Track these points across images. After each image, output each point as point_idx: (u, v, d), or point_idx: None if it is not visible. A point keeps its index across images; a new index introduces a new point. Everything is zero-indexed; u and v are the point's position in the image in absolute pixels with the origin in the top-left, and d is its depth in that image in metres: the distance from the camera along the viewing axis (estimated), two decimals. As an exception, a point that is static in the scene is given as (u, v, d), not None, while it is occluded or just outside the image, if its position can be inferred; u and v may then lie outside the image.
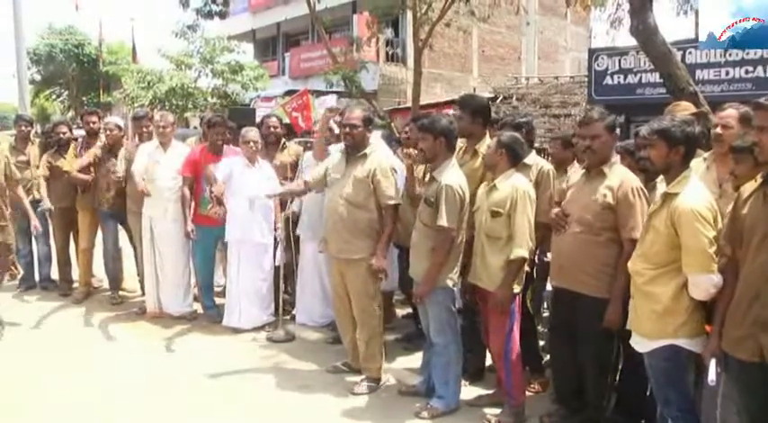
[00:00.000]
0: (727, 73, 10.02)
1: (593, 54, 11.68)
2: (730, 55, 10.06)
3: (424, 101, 13.57)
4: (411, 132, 4.85)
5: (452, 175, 3.86)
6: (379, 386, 4.33)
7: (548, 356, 4.63)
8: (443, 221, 3.74)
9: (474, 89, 17.00)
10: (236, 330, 5.45)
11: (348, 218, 4.22)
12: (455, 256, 3.89)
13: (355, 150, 4.30)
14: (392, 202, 4.21)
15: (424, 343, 5.05)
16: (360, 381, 4.35)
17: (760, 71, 9.80)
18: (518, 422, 3.84)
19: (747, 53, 9.87)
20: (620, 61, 11.28)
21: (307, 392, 4.29)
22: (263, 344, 5.25)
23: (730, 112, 3.44)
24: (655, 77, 10.72)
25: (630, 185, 3.42)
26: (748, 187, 2.68)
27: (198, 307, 5.97)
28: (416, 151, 4.22)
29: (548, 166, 4.43)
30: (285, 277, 5.62)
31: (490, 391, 4.19)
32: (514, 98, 15.55)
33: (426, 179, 4.17)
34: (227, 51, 17.42)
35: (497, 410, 3.93)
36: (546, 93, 16.46)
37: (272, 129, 5.98)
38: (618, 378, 3.78)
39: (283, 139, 6.17)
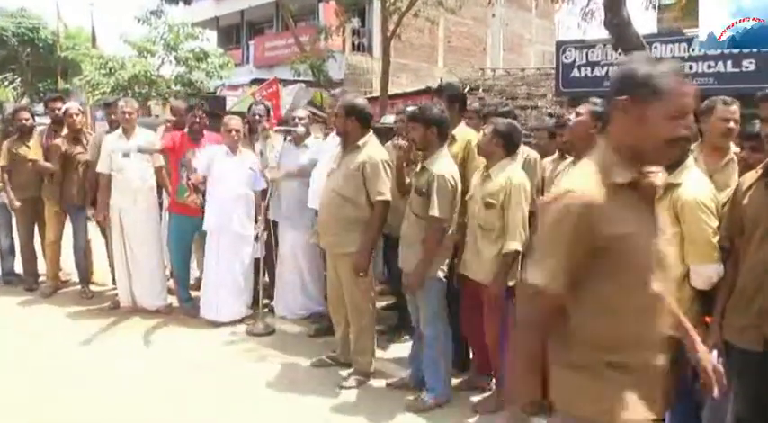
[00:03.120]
0: (690, 67, 10.19)
1: (561, 46, 11.78)
2: (693, 50, 10.32)
3: (390, 91, 13.50)
4: (401, 123, 4.82)
5: (445, 165, 3.81)
6: (368, 380, 4.26)
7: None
8: (435, 212, 3.68)
9: (440, 80, 16.96)
10: (215, 324, 5.30)
11: (338, 211, 4.13)
12: (447, 246, 3.84)
13: (345, 141, 4.21)
14: (381, 199, 4.10)
15: (409, 334, 5.07)
16: (348, 375, 4.27)
17: (721, 66, 10.05)
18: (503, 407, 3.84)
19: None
20: (587, 54, 11.40)
21: (294, 387, 4.18)
22: (243, 337, 5.11)
23: (736, 108, 3.46)
24: (622, 70, 10.93)
25: None
26: (748, 178, 2.68)
27: (173, 300, 5.79)
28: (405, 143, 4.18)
29: (534, 154, 4.44)
30: (264, 269, 5.50)
31: (465, 378, 4.21)
32: (481, 89, 15.58)
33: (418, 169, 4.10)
34: (192, 38, 16.97)
35: (479, 396, 3.99)
36: (512, 84, 16.58)
37: (258, 117, 5.83)
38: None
39: (266, 128, 6.02)
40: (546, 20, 26.68)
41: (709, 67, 10.12)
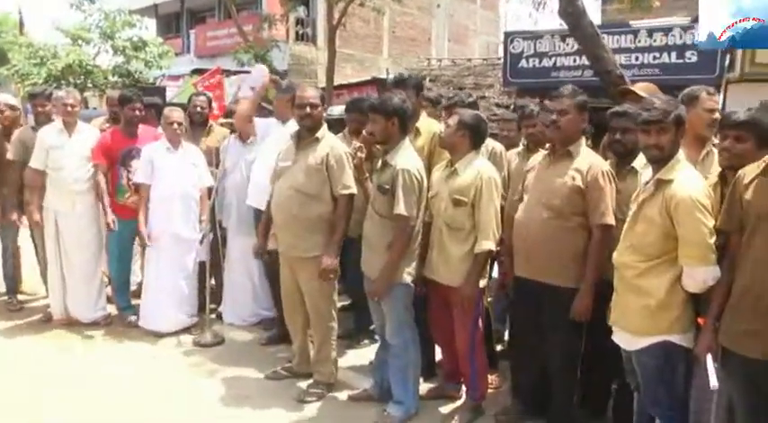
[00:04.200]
0: (637, 58, 10.37)
1: (509, 37, 11.74)
2: (639, 41, 10.42)
3: (335, 81, 13.21)
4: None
5: (408, 159, 3.55)
6: (330, 392, 3.99)
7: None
8: (401, 209, 3.42)
9: (386, 70, 16.76)
10: (158, 335, 4.89)
11: (300, 211, 3.81)
12: (414, 247, 3.58)
13: (309, 133, 3.90)
14: (347, 192, 3.83)
15: (367, 338, 4.83)
16: (307, 387, 3.98)
17: (666, 58, 10.19)
18: (477, 417, 3.68)
19: (654, 40, 10.28)
20: (535, 44, 11.37)
21: (249, 403, 3.85)
22: (190, 349, 4.72)
23: (718, 98, 3.35)
24: (570, 61, 10.96)
25: (600, 169, 3.25)
26: (749, 171, 2.51)
27: (111, 308, 5.32)
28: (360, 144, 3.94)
29: (499, 146, 4.28)
30: (210, 274, 5.12)
31: (434, 385, 4.01)
32: (427, 79, 15.47)
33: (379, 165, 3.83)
34: (129, 26, 16.19)
35: (448, 405, 3.81)
36: (459, 74, 16.61)
37: (199, 109, 5.42)
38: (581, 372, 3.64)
39: (210, 121, 5.63)
40: (490, 11, 26.85)
41: (655, 58, 10.27)
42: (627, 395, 3.27)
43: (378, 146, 3.88)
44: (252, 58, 12.01)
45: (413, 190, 3.47)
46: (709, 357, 2.55)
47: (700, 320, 2.67)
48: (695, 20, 10.28)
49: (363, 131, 4.05)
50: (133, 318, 5.13)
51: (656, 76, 9.56)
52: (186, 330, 4.99)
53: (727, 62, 9.77)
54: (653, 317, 2.71)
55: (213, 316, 5.11)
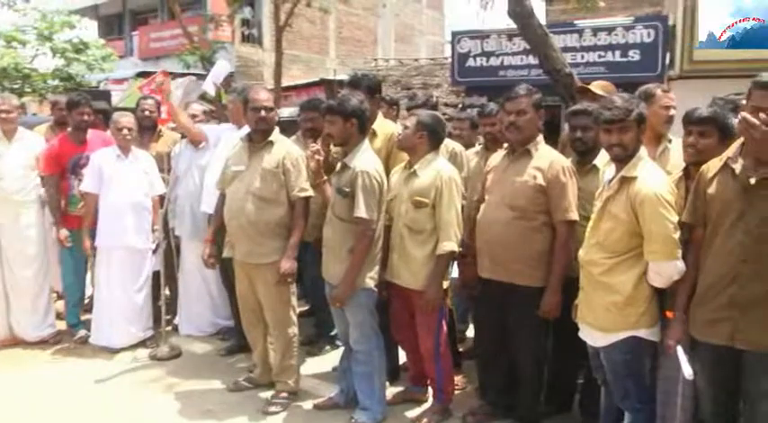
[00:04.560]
0: (582, 57, 10.58)
1: (456, 36, 11.82)
2: (584, 40, 10.65)
3: (282, 83, 13.03)
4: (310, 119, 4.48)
5: (368, 160, 3.50)
6: (294, 401, 3.89)
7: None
8: (362, 212, 3.36)
9: (334, 71, 16.68)
10: (111, 350, 4.69)
11: (257, 216, 3.71)
12: (376, 251, 3.52)
13: (263, 137, 3.81)
14: (303, 195, 3.77)
15: (329, 344, 4.76)
16: (271, 397, 3.88)
17: (610, 56, 10.44)
18: (445, 419, 3.66)
19: (599, 39, 10.52)
20: (482, 44, 11.49)
21: (211, 417, 3.73)
22: (147, 363, 4.55)
23: (673, 95, 3.42)
24: (517, 60, 11.11)
25: (561, 165, 3.27)
26: (712, 166, 2.57)
27: (60, 324, 5.08)
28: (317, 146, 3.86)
29: (459, 147, 4.25)
30: (164, 284, 4.95)
31: (401, 389, 3.97)
32: (377, 80, 15.41)
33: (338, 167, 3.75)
34: (69, 27, 15.57)
35: (415, 409, 3.77)
36: (406, 74, 16.61)
37: (147, 112, 5.23)
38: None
39: (159, 126, 5.44)
40: (436, 11, 27.02)
41: (600, 56, 10.51)
42: (593, 390, 3.31)
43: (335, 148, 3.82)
44: (198, 60, 11.73)
45: (373, 192, 3.41)
46: (680, 349, 2.60)
47: (668, 314, 2.72)
48: (637, 19, 10.62)
49: (324, 133, 3.98)
50: (84, 333, 4.90)
51: (600, 73, 9.75)
52: (141, 344, 4.80)
53: (668, 60, 10.10)
54: (621, 313, 2.74)
55: (169, 328, 4.95)
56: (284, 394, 3.89)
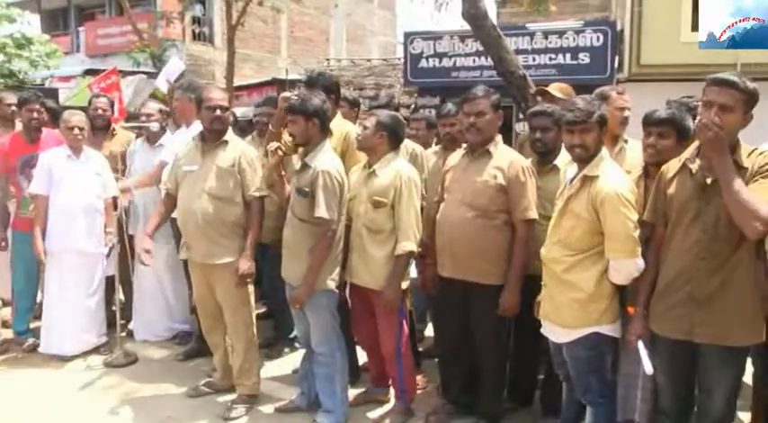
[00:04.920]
0: (534, 59, 10.78)
1: (409, 37, 11.88)
2: (535, 43, 10.86)
3: (234, 82, 12.85)
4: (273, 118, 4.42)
5: (328, 160, 3.47)
6: (255, 405, 3.85)
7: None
8: (322, 212, 3.34)
9: (286, 71, 16.52)
10: (63, 359, 4.52)
11: (214, 215, 3.65)
12: (336, 252, 3.51)
13: (217, 136, 3.75)
14: (260, 194, 3.75)
15: (288, 346, 4.72)
16: (231, 402, 3.82)
17: (561, 59, 10.67)
18: (408, 419, 3.67)
19: (550, 42, 10.75)
20: (435, 45, 11.58)
21: (171, 425, 3.66)
22: (102, 371, 4.40)
23: (628, 97, 3.52)
24: (469, 61, 11.24)
25: (521, 165, 3.32)
26: (671, 166, 2.66)
27: (6, 333, 4.88)
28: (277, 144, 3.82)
29: (419, 148, 4.27)
30: (119, 288, 4.83)
31: (361, 390, 3.96)
32: (330, 80, 15.36)
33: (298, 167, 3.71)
34: (8, 21, 14.91)
35: (377, 410, 3.77)
36: (359, 75, 16.61)
37: (100, 111, 5.07)
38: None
39: (113, 125, 5.28)
40: (388, 11, 27.10)
41: (551, 59, 10.73)
42: (553, 385, 3.39)
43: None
44: (148, 58, 11.45)
45: (334, 192, 3.39)
46: (641, 344, 2.68)
47: (629, 310, 2.79)
48: (587, 24, 10.89)
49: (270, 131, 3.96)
50: (33, 341, 4.72)
51: (552, 76, 9.96)
52: (94, 351, 4.65)
53: (616, 64, 10.39)
54: (583, 309, 2.80)
55: (124, 334, 4.80)
56: (245, 398, 3.83)
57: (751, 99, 2.41)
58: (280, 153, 3.63)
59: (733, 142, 2.44)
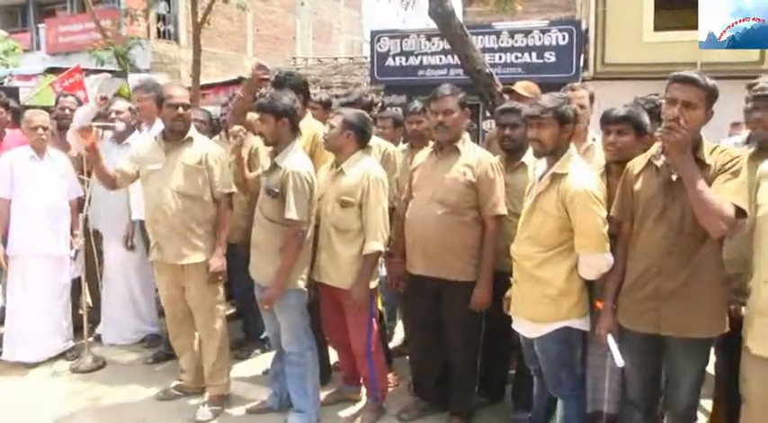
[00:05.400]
0: (500, 58, 10.90)
1: (375, 36, 11.92)
2: (501, 42, 10.97)
3: (200, 81, 12.66)
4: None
5: (298, 161, 3.46)
6: (226, 407, 3.82)
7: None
8: (293, 214, 3.33)
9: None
10: (28, 365, 4.40)
11: (185, 214, 3.62)
12: (306, 252, 3.50)
13: (180, 135, 3.70)
14: (229, 191, 3.75)
15: (258, 347, 4.69)
16: (202, 404, 3.78)
17: (527, 57, 10.81)
18: (380, 417, 3.69)
19: (516, 41, 10.87)
20: (401, 43, 11.63)
21: (143, 430, 3.61)
22: (69, 377, 4.30)
23: (583, 93, 3.59)
24: (436, 60, 11.32)
25: (489, 162, 3.37)
26: (637, 163, 2.72)
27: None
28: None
29: (391, 147, 4.27)
30: (86, 291, 4.72)
31: (333, 390, 3.97)
32: (297, 79, 15.29)
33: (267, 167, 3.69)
34: (-38, 17, 14.49)
35: (349, 408, 3.79)
36: (326, 73, 16.60)
37: (68, 111, 4.94)
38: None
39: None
40: (354, 9, 27.05)
41: (517, 58, 10.86)
42: (524, 380, 3.44)
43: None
44: (112, 56, 11.21)
45: (304, 193, 3.38)
46: (610, 337, 2.73)
47: (598, 304, 2.84)
48: (552, 23, 11.04)
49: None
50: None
51: (518, 74, 10.10)
52: (61, 357, 4.54)
53: (582, 62, 10.57)
54: (554, 304, 2.84)
55: (91, 338, 4.72)
56: (216, 399, 3.80)
57: (712, 95, 2.48)
58: (242, 135, 3.61)
59: (696, 139, 2.50)
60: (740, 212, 2.40)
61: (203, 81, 13.99)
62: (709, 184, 2.44)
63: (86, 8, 11.87)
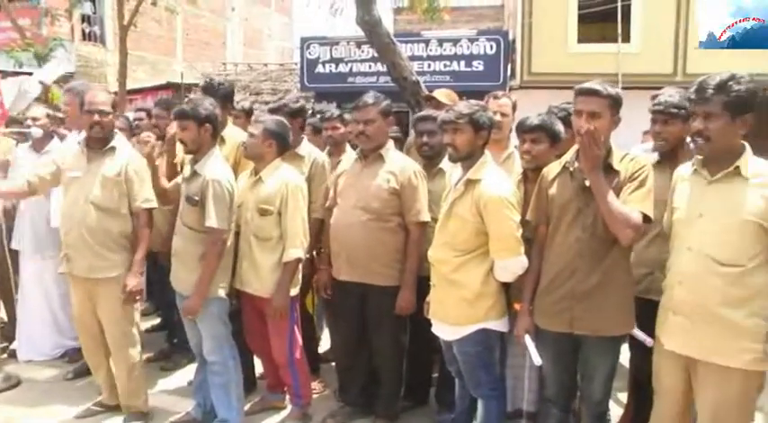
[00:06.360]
0: (429, 66, 11.09)
1: (305, 43, 11.93)
2: (430, 50, 11.17)
3: (127, 85, 12.32)
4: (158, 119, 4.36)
5: (218, 168, 3.41)
6: (149, 420, 3.73)
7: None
8: (213, 222, 3.28)
9: (181, 74, 16.02)
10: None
11: (98, 226, 3.47)
12: (227, 260, 3.46)
13: (101, 143, 3.57)
14: (148, 206, 3.59)
15: (184, 358, 4.59)
16: (124, 420, 3.68)
17: (456, 66, 11.04)
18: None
19: (445, 49, 11.09)
20: (331, 50, 11.68)
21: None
22: (-22, 398, 4.06)
23: (506, 102, 3.68)
24: (365, 67, 11.42)
25: (413, 169, 3.44)
26: (552, 169, 2.81)
27: None
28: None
29: (323, 157, 4.23)
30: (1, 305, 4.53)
31: (257, 399, 3.93)
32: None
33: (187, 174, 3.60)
34: None
35: (274, 417, 3.77)
36: (256, 79, 16.45)
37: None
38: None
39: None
40: (284, 15, 26.88)
41: (446, 66, 11.07)
42: (447, 382, 3.51)
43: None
44: (32, 58, 10.72)
45: (224, 201, 3.33)
46: (527, 338, 2.83)
47: (516, 306, 2.93)
48: (480, 32, 11.31)
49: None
50: None
51: (446, 82, 10.32)
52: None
53: (509, 71, 10.85)
54: (470, 307, 2.91)
55: (5, 355, 4.49)
56: (136, 417, 3.69)
57: (615, 103, 2.60)
58: (153, 142, 3.57)
59: (606, 146, 2.62)
60: (646, 218, 2.54)
61: (131, 85, 13.60)
62: (619, 190, 2.56)
63: (1, 7, 11.27)
